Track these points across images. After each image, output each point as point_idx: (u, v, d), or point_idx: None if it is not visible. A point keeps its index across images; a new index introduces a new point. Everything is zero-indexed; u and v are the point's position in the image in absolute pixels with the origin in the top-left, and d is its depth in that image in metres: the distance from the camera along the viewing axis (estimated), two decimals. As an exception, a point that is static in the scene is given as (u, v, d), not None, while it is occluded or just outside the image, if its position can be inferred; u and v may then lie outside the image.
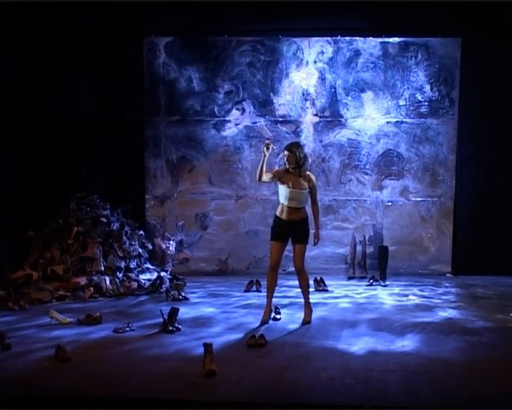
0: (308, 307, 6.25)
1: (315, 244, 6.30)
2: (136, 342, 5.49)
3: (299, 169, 6.05)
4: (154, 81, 9.22)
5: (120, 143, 8.97)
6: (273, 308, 6.45)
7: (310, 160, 9.10)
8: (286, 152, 6.09)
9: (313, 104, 9.16)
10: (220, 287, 8.18)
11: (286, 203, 6.05)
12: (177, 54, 9.20)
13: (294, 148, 6.08)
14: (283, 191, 6.06)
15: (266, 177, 6.10)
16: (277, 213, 6.15)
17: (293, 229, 6.07)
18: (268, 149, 5.96)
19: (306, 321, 6.14)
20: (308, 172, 6.17)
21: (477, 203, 9.02)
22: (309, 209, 6.23)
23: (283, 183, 6.05)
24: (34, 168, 8.61)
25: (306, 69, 9.16)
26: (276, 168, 6.29)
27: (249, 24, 8.94)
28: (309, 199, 6.18)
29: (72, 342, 5.44)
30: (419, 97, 9.09)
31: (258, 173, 6.05)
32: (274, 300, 7.07)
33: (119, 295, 7.67)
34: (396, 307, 6.97)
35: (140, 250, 8.59)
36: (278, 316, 6.33)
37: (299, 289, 6.33)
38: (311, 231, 6.23)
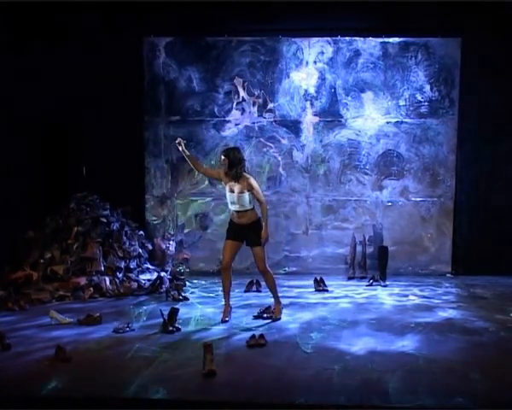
0: (278, 304, 6.40)
1: (263, 245, 6.21)
2: (136, 342, 5.49)
3: (235, 173, 6.16)
4: (154, 81, 9.22)
5: (120, 143, 8.96)
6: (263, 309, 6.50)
7: (310, 160, 9.19)
8: (222, 156, 6.25)
9: (313, 104, 9.16)
10: (220, 287, 8.14)
11: (230, 207, 6.29)
12: (177, 54, 9.19)
13: (228, 152, 6.25)
14: (226, 195, 6.30)
15: (204, 171, 6.81)
16: (230, 217, 6.39)
17: (244, 232, 6.22)
18: (180, 145, 6.31)
19: (276, 317, 6.29)
20: (245, 175, 6.22)
21: (477, 203, 9.02)
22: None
23: (225, 186, 6.27)
24: (34, 168, 8.62)
25: (306, 69, 9.16)
26: (220, 169, 6.37)
27: (249, 24, 8.93)
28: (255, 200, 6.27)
29: (72, 342, 5.45)
30: (419, 97, 9.08)
31: (192, 166, 6.57)
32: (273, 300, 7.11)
33: (119, 296, 7.67)
34: (396, 308, 6.98)
35: (140, 250, 8.60)
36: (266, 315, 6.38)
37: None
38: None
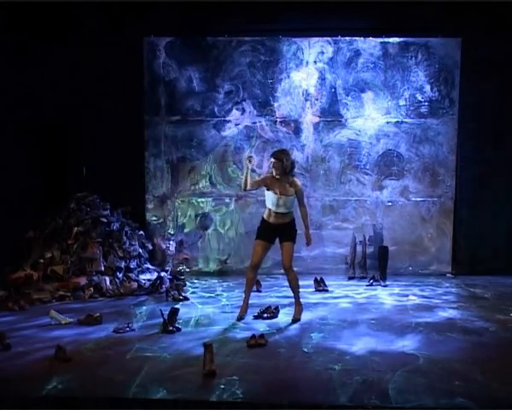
0: (298, 305, 6.35)
1: (308, 245, 6.41)
2: (136, 342, 5.49)
3: (286, 176, 6.14)
4: (154, 81, 9.22)
5: (120, 143, 8.96)
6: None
7: (310, 160, 9.19)
8: (273, 159, 6.17)
9: (313, 104, 9.16)
10: (220, 287, 8.18)
11: (274, 209, 6.16)
12: (177, 54, 9.19)
13: (281, 155, 6.17)
14: (271, 197, 6.15)
15: (251, 186, 6.22)
16: (265, 217, 6.27)
17: (280, 231, 6.19)
18: (250, 162, 6.14)
19: (296, 318, 6.24)
20: (293, 178, 6.24)
21: (477, 203, 9.02)
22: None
23: (271, 189, 6.13)
24: (34, 168, 8.62)
25: (306, 69, 9.16)
26: (263, 175, 6.29)
27: (249, 24, 8.93)
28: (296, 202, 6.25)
29: (72, 342, 5.45)
30: (419, 97, 9.09)
31: (242, 184, 6.21)
32: (274, 300, 7.12)
33: (119, 296, 7.67)
34: (396, 307, 6.98)
35: (140, 250, 8.60)
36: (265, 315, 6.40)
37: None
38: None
